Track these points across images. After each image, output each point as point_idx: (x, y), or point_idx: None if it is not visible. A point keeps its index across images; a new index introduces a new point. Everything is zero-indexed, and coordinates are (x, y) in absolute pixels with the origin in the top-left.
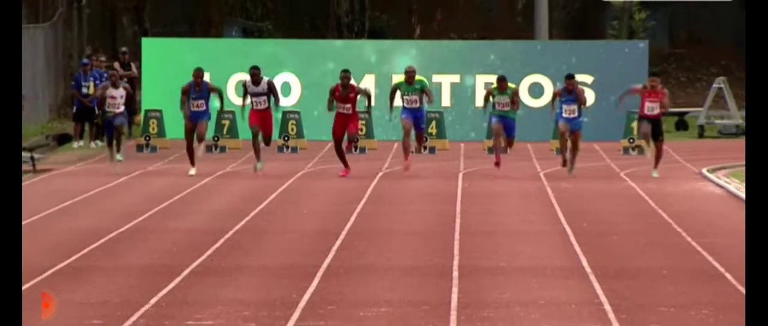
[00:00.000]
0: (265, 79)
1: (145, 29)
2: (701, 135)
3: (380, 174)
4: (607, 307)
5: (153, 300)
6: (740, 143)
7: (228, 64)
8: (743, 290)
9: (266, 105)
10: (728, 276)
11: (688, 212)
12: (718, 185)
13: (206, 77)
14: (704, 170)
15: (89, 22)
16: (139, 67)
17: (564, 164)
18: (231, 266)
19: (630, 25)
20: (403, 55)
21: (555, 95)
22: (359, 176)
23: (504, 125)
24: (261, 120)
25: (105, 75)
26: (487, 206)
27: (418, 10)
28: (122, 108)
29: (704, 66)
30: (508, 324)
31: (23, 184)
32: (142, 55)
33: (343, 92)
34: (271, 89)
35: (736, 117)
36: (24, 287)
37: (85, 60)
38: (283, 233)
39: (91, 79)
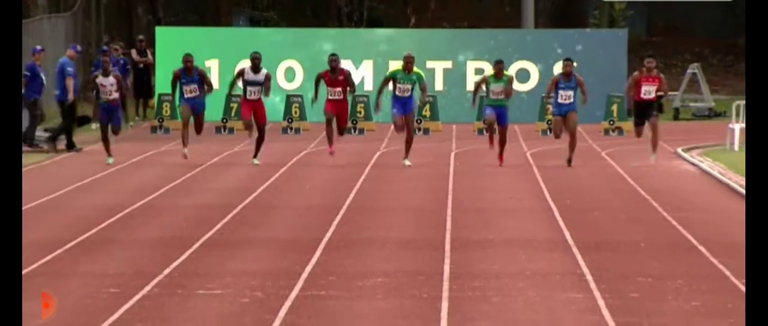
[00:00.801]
0: (264, 70)
1: (158, 19)
2: (676, 117)
3: (378, 154)
4: (589, 277)
5: (166, 271)
6: (713, 124)
7: (236, 51)
8: (716, 263)
9: (259, 96)
10: (701, 248)
11: (665, 189)
12: (692, 163)
13: (214, 65)
14: (679, 150)
15: (106, 11)
16: (153, 54)
17: (569, 163)
18: (239, 239)
19: (610, 15)
20: (399, 43)
21: (553, 83)
22: (358, 155)
23: (497, 114)
24: (254, 111)
25: (122, 61)
26: (478, 184)
27: (413, 1)
28: (115, 95)
29: (679, 53)
30: (497, 293)
31: (45, 163)
32: (156, 43)
33: (333, 76)
34: (266, 81)
35: (709, 100)
36: (46, 259)
37: (104, 47)
38: (287, 209)
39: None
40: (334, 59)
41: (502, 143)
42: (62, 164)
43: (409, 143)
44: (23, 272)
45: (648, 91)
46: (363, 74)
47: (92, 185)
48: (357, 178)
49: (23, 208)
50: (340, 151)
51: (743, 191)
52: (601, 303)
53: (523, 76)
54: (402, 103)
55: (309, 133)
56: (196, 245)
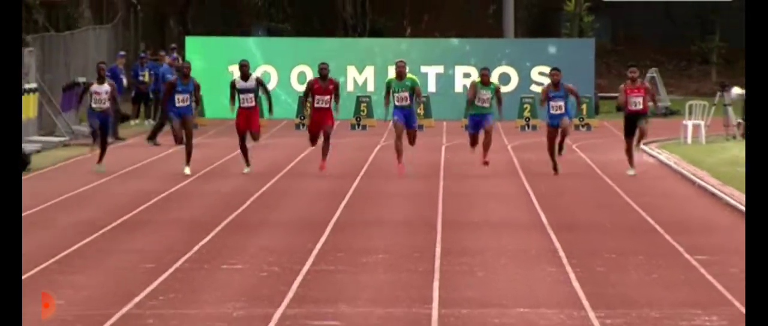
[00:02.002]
0: (254, 75)
1: (188, 29)
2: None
3: (378, 147)
4: (562, 254)
5: (195, 248)
6: (669, 121)
7: (255, 57)
8: (672, 241)
9: (253, 103)
10: (659, 228)
11: (627, 177)
12: (651, 155)
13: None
14: (641, 144)
15: (143, 23)
16: (184, 60)
17: (555, 169)
18: (258, 221)
19: (580, 26)
20: (396, 51)
21: (544, 94)
22: (362, 148)
23: (481, 123)
24: (246, 121)
25: (159, 67)
26: (465, 173)
27: (409, 14)
28: (108, 104)
29: (639, 59)
30: (482, 268)
31: (90, 156)
32: (185, 50)
33: (323, 84)
34: (260, 84)
35: (666, 100)
36: (92, 237)
37: (142, 53)
38: (300, 194)
39: (146, 69)
40: (324, 67)
41: (487, 144)
42: (107, 156)
43: (401, 153)
44: (74, 247)
45: (635, 102)
46: (365, 77)
47: (133, 173)
48: (360, 168)
49: (74, 193)
50: (342, 145)
51: (694, 178)
52: (572, 276)
53: (505, 79)
54: (402, 112)
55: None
56: (221, 225)
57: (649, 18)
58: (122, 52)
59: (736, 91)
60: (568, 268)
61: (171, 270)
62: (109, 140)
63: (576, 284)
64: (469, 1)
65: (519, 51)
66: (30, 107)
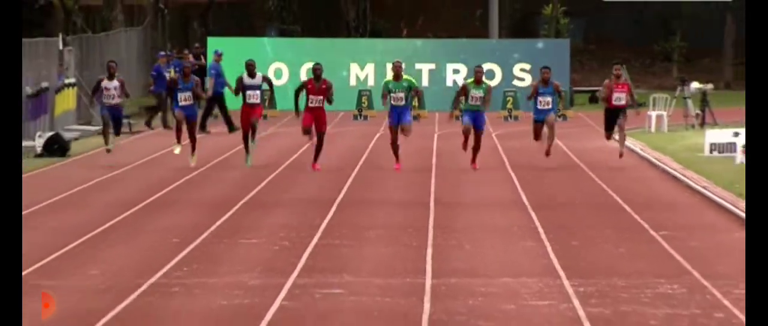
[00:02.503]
0: (260, 74)
1: (209, 31)
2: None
3: (377, 135)
4: (540, 230)
5: (216, 224)
6: (634, 112)
7: (268, 56)
8: (637, 218)
9: (258, 100)
10: (627, 207)
11: (598, 162)
12: (619, 142)
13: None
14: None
15: (169, 26)
16: (205, 58)
17: (547, 153)
18: (271, 200)
19: (557, 28)
20: (394, 50)
21: (533, 90)
22: (363, 136)
23: (474, 122)
24: (250, 116)
25: (180, 64)
26: (455, 158)
27: (405, 17)
28: (118, 100)
29: (608, 58)
30: (470, 242)
31: (123, 143)
32: (207, 49)
33: (316, 84)
34: (265, 80)
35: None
36: (124, 215)
37: (168, 52)
38: (309, 177)
39: (171, 66)
40: (318, 68)
41: (476, 149)
42: (137, 143)
43: (397, 150)
44: (108, 224)
45: (619, 98)
46: (366, 73)
47: (160, 159)
48: (362, 154)
49: (107, 176)
50: (345, 134)
51: (657, 163)
52: (549, 249)
53: (489, 75)
54: (398, 114)
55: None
56: (238, 205)
57: (618, 21)
58: (162, 52)
59: (695, 85)
60: (546, 242)
61: (194, 245)
62: (123, 130)
63: (553, 256)
64: (458, 6)
65: (502, 50)
66: (70, 99)
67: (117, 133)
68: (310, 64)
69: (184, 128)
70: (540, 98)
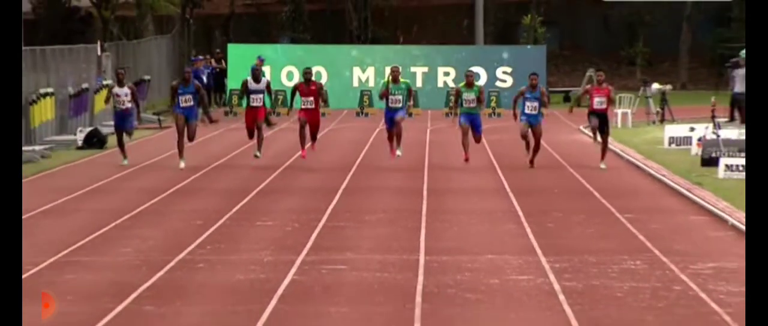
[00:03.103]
0: (264, 79)
1: (229, 38)
2: (578, 105)
3: (377, 130)
4: (520, 213)
5: (234, 209)
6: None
7: (282, 60)
8: (606, 203)
9: (260, 103)
10: (596, 193)
11: (570, 153)
12: (589, 136)
13: (267, 69)
14: (581, 127)
15: (194, 34)
16: (226, 62)
17: (532, 164)
18: (283, 187)
19: (534, 36)
20: (392, 55)
21: (520, 94)
22: (365, 131)
23: (471, 123)
24: (253, 118)
25: (209, 69)
26: (445, 150)
27: (401, 26)
28: (129, 105)
29: (580, 62)
30: (458, 224)
31: (153, 137)
32: (228, 54)
33: (306, 87)
34: (267, 88)
35: None
36: (154, 200)
37: (193, 58)
38: (316, 167)
39: (198, 70)
40: (307, 72)
41: (475, 141)
42: (165, 138)
43: (398, 137)
44: (140, 208)
45: (600, 101)
46: (367, 75)
47: (186, 151)
48: (363, 146)
49: (138, 166)
50: (348, 129)
51: (623, 154)
52: (528, 230)
53: (476, 77)
54: (391, 116)
55: (331, 115)
56: (254, 192)
57: (588, 29)
58: (199, 57)
59: (656, 86)
60: (525, 224)
61: (215, 226)
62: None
63: (531, 236)
64: (448, 16)
65: (487, 55)
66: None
67: (128, 135)
68: (317, 68)
69: (185, 133)
70: (527, 103)
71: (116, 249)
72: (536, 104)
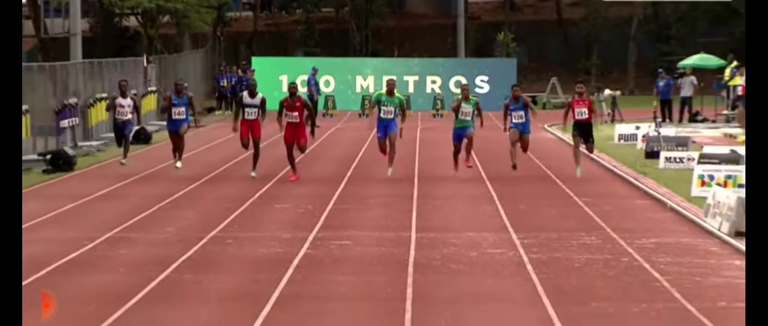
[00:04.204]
0: (260, 95)
1: (253, 52)
2: (544, 108)
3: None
4: (495, 197)
5: (257, 194)
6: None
7: (297, 70)
8: (565, 188)
9: (255, 116)
10: (558, 181)
11: (537, 148)
12: (552, 134)
13: (284, 78)
14: (545, 126)
15: (224, 48)
16: (252, 72)
17: (514, 167)
18: (288, 188)
19: (507, 50)
20: (388, 66)
21: (506, 107)
22: (366, 129)
23: (464, 134)
24: (250, 130)
25: (235, 77)
26: (434, 147)
27: (396, 42)
28: (130, 116)
29: (544, 72)
30: (444, 206)
31: (188, 134)
32: (252, 65)
33: (291, 102)
34: (262, 104)
35: (562, 97)
36: (190, 187)
37: (222, 68)
38: (325, 159)
39: (225, 78)
40: (292, 86)
41: (469, 148)
42: (200, 135)
43: (391, 158)
44: (179, 193)
45: (581, 112)
46: (368, 83)
47: (215, 147)
48: (364, 143)
49: (184, 156)
50: (352, 128)
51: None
52: (501, 211)
53: (459, 83)
54: (384, 126)
55: (338, 117)
56: (273, 180)
57: (551, 45)
58: (253, 68)
59: (607, 92)
60: (499, 207)
61: (241, 209)
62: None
63: (504, 217)
64: (435, 35)
65: (467, 66)
66: (152, 102)
67: (119, 144)
68: (326, 77)
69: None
70: (513, 113)
71: (159, 228)
72: (522, 113)
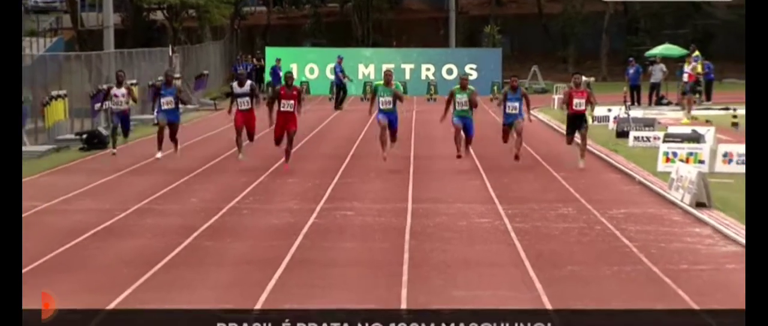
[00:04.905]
0: (249, 82)
1: (267, 43)
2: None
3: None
4: (482, 172)
5: (270, 169)
6: (544, 96)
7: (306, 59)
8: (547, 166)
9: (249, 106)
10: (539, 158)
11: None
12: (534, 116)
13: (294, 67)
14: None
15: (241, 40)
16: (264, 61)
17: (517, 158)
18: (307, 154)
19: (493, 41)
20: (388, 56)
21: (503, 96)
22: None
23: (464, 125)
24: (244, 120)
25: (248, 65)
26: (428, 127)
27: (394, 34)
28: (126, 106)
29: (527, 61)
30: (437, 180)
31: (210, 116)
32: (265, 55)
33: (288, 90)
34: (252, 91)
35: (542, 84)
36: (211, 163)
37: (238, 57)
38: (330, 138)
39: (242, 66)
40: (289, 76)
41: (468, 143)
42: (217, 118)
43: (384, 141)
44: (202, 168)
45: (579, 103)
46: (369, 71)
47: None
48: (363, 127)
49: (200, 137)
50: (355, 111)
51: (557, 128)
52: (488, 185)
53: (450, 71)
54: (386, 114)
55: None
56: (282, 160)
57: (533, 36)
58: (278, 58)
59: (583, 79)
60: (487, 181)
61: (257, 182)
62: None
63: (491, 189)
64: (429, 27)
65: (458, 55)
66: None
67: (125, 135)
68: (331, 65)
69: (166, 133)
70: (508, 104)
71: (183, 199)
72: (517, 104)
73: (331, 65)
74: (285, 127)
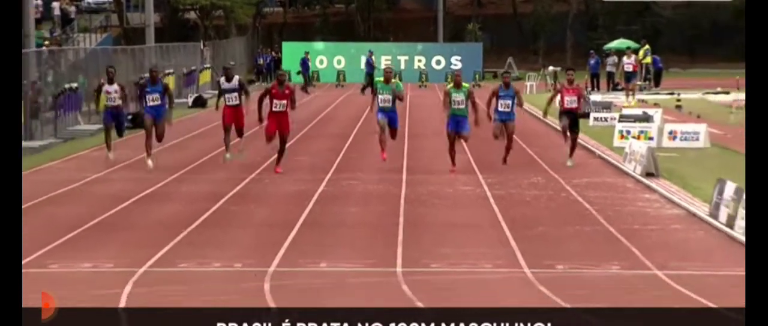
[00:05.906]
0: (237, 77)
1: (283, 38)
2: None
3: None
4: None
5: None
6: (517, 83)
7: (316, 52)
8: (532, 153)
9: (238, 102)
10: (522, 143)
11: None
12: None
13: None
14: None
15: (261, 36)
16: (281, 54)
17: (505, 162)
18: (316, 133)
19: (475, 37)
20: (386, 49)
21: (494, 93)
22: (366, 103)
23: (457, 126)
24: (233, 117)
25: (268, 57)
26: (420, 110)
27: (392, 31)
28: (119, 102)
29: (503, 53)
30: (427, 155)
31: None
32: (282, 49)
33: (280, 90)
34: (241, 86)
35: (516, 72)
36: (236, 139)
37: (259, 50)
38: (335, 123)
39: (262, 57)
40: (281, 74)
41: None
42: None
43: (383, 144)
44: (216, 151)
45: (570, 101)
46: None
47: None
48: (357, 122)
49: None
50: (354, 102)
51: (533, 113)
52: (470, 158)
53: (438, 62)
54: (386, 113)
55: (345, 88)
56: (298, 135)
57: (508, 33)
58: (307, 51)
59: (551, 68)
60: (469, 154)
61: (274, 157)
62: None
63: (473, 162)
64: (421, 25)
65: (445, 49)
66: (207, 76)
67: (120, 134)
68: (338, 57)
69: (153, 134)
70: (501, 101)
71: (212, 171)
72: (509, 102)
73: (338, 57)
74: (278, 129)
